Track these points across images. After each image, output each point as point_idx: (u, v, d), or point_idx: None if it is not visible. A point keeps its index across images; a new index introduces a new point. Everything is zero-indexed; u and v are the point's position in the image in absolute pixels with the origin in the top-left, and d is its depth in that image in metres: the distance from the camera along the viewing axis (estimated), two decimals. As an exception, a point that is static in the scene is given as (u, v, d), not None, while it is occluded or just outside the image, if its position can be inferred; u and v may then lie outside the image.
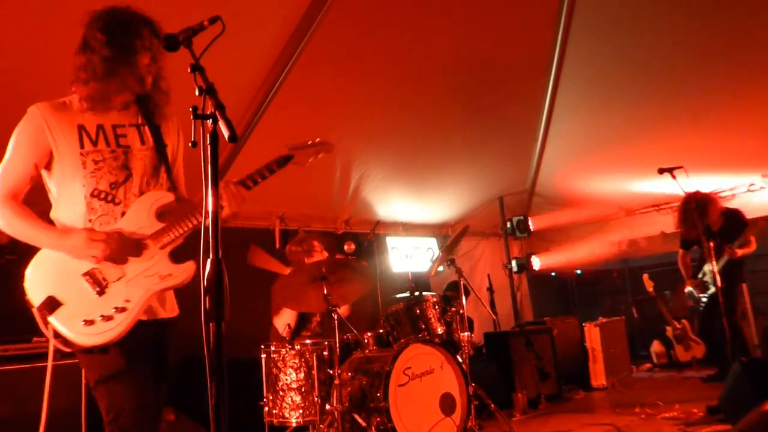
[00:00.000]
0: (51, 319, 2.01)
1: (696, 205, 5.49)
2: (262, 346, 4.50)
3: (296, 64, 4.88)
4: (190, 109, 1.64)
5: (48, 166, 2.17)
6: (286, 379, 4.29)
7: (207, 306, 1.54)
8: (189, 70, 1.78)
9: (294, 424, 4.26)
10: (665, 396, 5.52)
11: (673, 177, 5.16)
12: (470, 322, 4.98)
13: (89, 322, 2.02)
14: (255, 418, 4.42)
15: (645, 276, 8.05)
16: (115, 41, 2.11)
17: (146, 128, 2.28)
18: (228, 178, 5.20)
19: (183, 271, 2.18)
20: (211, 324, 1.55)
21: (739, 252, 5.70)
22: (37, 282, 2.09)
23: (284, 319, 4.64)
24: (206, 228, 1.59)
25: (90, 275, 2.08)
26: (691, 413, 4.88)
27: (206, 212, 1.60)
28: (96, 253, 2.05)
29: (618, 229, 8.54)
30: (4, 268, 4.58)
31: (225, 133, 1.59)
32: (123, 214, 2.17)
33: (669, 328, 7.79)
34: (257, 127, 5.20)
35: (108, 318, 2.04)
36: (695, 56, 5.87)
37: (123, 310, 2.06)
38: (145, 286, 2.11)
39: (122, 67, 2.13)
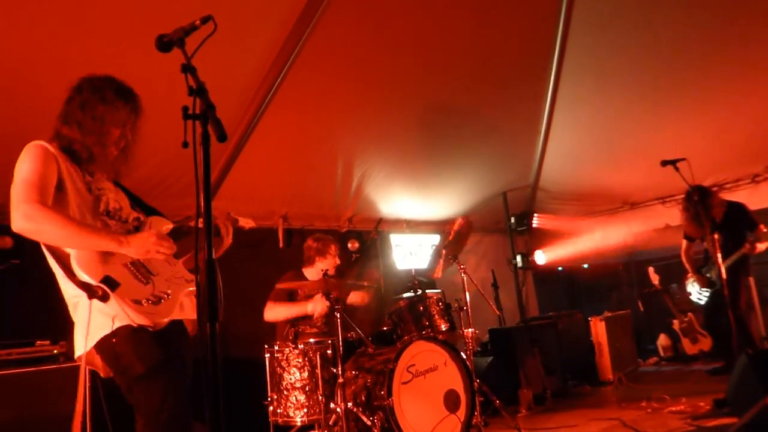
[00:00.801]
0: (114, 296, 2.03)
1: (699, 198, 5.45)
2: (266, 346, 4.51)
3: (295, 62, 4.87)
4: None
5: (60, 188, 2.19)
6: (290, 379, 4.30)
7: (201, 307, 1.54)
8: (180, 71, 1.78)
9: (299, 424, 4.27)
10: (672, 390, 5.49)
11: (677, 169, 5.13)
12: (448, 307, 4.96)
13: (154, 300, 2.11)
14: (260, 417, 4.43)
15: (650, 269, 8.02)
16: (95, 123, 2.25)
17: (114, 183, 2.46)
18: (234, 173, 5.28)
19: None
20: (206, 324, 1.54)
21: (760, 247, 5.60)
22: (89, 262, 2.08)
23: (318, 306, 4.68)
24: (199, 230, 1.59)
25: (133, 266, 2.18)
26: (697, 407, 4.86)
27: (200, 213, 1.59)
28: (165, 251, 2.16)
29: (622, 222, 8.51)
30: (7, 273, 4.59)
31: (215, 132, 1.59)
32: (128, 231, 2.31)
33: (675, 322, 7.75)
34: (258, 127, 5.20)
35: (167, 298, 2.17)
36: (697, 46, 5.83)
37: (167, 299, 2.18)
38: (178, 284, 2.27)
39: (98, 147, 2.27)
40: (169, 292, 2.19)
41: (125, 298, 2.06)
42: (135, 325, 2.06)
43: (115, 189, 2.41)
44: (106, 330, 2.10)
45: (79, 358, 2.17)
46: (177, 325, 2.30)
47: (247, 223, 3.26)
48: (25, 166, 2.12)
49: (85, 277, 2.05)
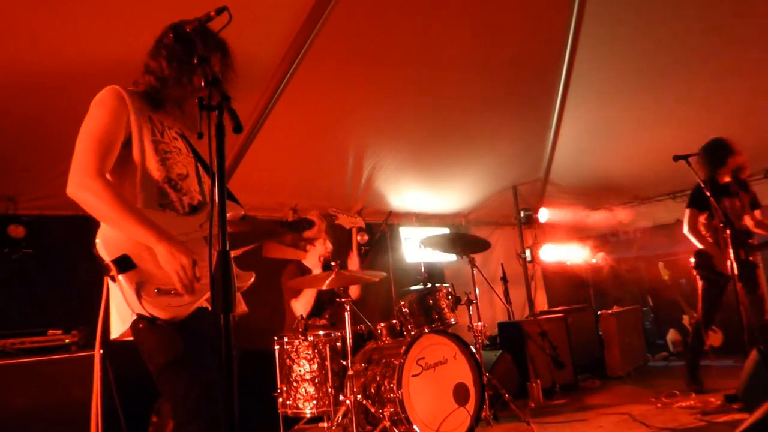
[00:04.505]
0: (121, 278, 1.93)
1: (730, 149, 5.18)
2: (276, 338, 4.53)
3: (308, 53, 4.85)
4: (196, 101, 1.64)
5: (126, 145, 2.11)
6: (300, 371, 4.32)
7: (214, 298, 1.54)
8: (195, 62, 1.78)
9: (308, 415, 4.29)
10: (682, 385, 5.46)
11: (688, 164, 5.08)
12: (457, 300, 4.96)
13: (163, 292, 1.97)
14: (269, 409, 4.45)
15: (660, 264, 7.98)
16: (186, 65, 2.13)
17: (185, 142, 2.36)
18: (244, 165, 5.27)
19: (246, 277, 2.37)
20: (220, 316, 1.54)
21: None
22: (112, 238, 1.99)
23: (303, 302, 4.71)
24: (213, 220, 1.59)
25: None
26: (708, 402, 4.84)
27: (214, 203, 1.59)
28: (183, 280, 1.99)
29: (633, 217, 8.48)
30: (20, 262, 4.62)
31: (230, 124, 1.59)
32: (190, 206, 2.22)
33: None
34: (269, 118, 5.20)
35: (180, 294, 2.00)
36: (709, 40, 5.78)
37: (196, 291, 2.04)
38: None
39: (185, 89, 2.19)
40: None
41: (139, 282, 1.94)
42: (146, 315, 1.94)
43: (186, 151, 2.31)
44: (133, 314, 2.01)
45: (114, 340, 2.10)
46: (208, 313, 2.15)
47: (348, 222, 3.20)
48: (94, 120, 2.05)
49: (101, 250, 1.98)
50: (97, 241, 1.99)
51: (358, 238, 5.71)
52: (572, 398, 5.88)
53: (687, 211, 5.42)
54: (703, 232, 5.34)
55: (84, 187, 1.97)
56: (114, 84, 2.15)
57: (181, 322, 2.02)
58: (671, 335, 8.18)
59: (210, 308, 2.07)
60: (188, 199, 2.22)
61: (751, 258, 5.12)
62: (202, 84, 1.73)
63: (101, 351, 3.91)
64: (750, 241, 5.20)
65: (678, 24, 5.75)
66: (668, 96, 6.50)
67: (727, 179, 5.35)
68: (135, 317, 1.97)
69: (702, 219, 5.37)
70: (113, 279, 1.95)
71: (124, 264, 1.94)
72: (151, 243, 1.97)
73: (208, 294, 2.06)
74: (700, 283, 5.35)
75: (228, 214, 2.22)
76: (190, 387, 2.02)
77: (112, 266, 1.94)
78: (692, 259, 5.40)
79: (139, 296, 1.93)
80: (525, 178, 8.18)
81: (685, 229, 5.41)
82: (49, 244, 4.67)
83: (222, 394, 1.54)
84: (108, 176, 2.06)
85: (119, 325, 2.07)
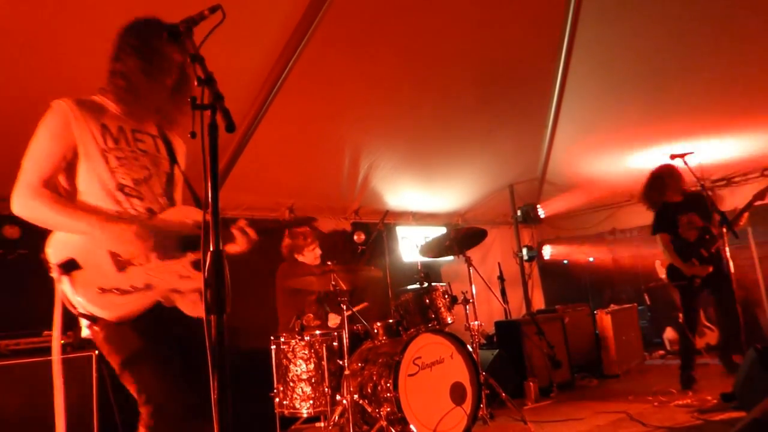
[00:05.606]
0: (65, 279, 1.99)
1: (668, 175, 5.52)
2: (272, 338, 4.52)
3: (303, 53, 4.85)
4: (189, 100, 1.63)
5: (73, 160, 2.15)
6: (296, 370, 4.32)
7: (208, 298, 1.53)
8: (189, 60, 1.77)
9: (305, 415, 4.29)
10: (678, 383, 5.47)
11: (685, 163, 5.09)
12: (454, 300, 4.95)
13: (104, 291, 2.01)
14: (266, 409, 4.44)
15: (657, 262, 7.98)
16: (151, 57, 2.17)
17: (160, 140, 2.37)
18: (240, 164, 5.26)
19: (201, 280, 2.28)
20: (212, 316, 1.54)
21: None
22: (59, 242, 2.06)
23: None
24: (206, 220, 1.58)
25: (114, 251, 2.08)
26: (704, 400, 4.85)
27: (207, 204, 1.58)
28: (135, 251, 2.07)
29: (630, 215, 8.48)
30: (15, 264, 4.61)
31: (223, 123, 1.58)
32: (149, 209, 2.21)
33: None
34: (265, 118, 5.19)
35: (123, 293, 2.04)
36: (707, 39, 5.77)
37: (139, 290, 2.07)
38: (164, 279, 2.14)
39: (153, 82, 2.19)
40: (139, 284, 2.08)
41: (81, 283, 2.00)
42: (88, 314, 2.01)
43: (154, 150, 2.31)
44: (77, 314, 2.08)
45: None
46: (167, 311, 2.17)
47: (328, 226, 3.24)
48: (35, 140, 2.11)
49: (49, 255, 2.04)
50: (47, 247, 2.06)
51: (355, 237, 5.70)
52: (569, 397, 5.88)
53: (659, 237, 5.70)
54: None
55: (25, 204, 2.08)
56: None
57: (135, 319, 2.06)
58: (668, 334, 8.18)
59: (165, 305, 2.14)
60: (145, 204, 2.21)
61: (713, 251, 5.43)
62: (172, 80, 1.73)
63: (96, 352, 3.91)
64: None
65: (674, 23, 5.74)
66: (665, 95, 6.49)
67: (677, 198, 5.61)
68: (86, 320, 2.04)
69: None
70: (58, 281, 2.01)
71: (69, 266, 2.00)
72: (99, 229, 2.04)
73: (164, 291, 2.13)
74: (676, 292, 5.71)
75: (196, 218, 2.26)
76: (158, 375, 2.06)
77: (56, 268, 2.00)
78: (665, 274, 5.81)
79: (80, 296, 2.00)
80: (522, 177, 8.18)
81: (666, 254, 5.69)
82: (44, 245, 4.65)
83: (216, 395, 1.52)
84: (50, 191, 2.12)
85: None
